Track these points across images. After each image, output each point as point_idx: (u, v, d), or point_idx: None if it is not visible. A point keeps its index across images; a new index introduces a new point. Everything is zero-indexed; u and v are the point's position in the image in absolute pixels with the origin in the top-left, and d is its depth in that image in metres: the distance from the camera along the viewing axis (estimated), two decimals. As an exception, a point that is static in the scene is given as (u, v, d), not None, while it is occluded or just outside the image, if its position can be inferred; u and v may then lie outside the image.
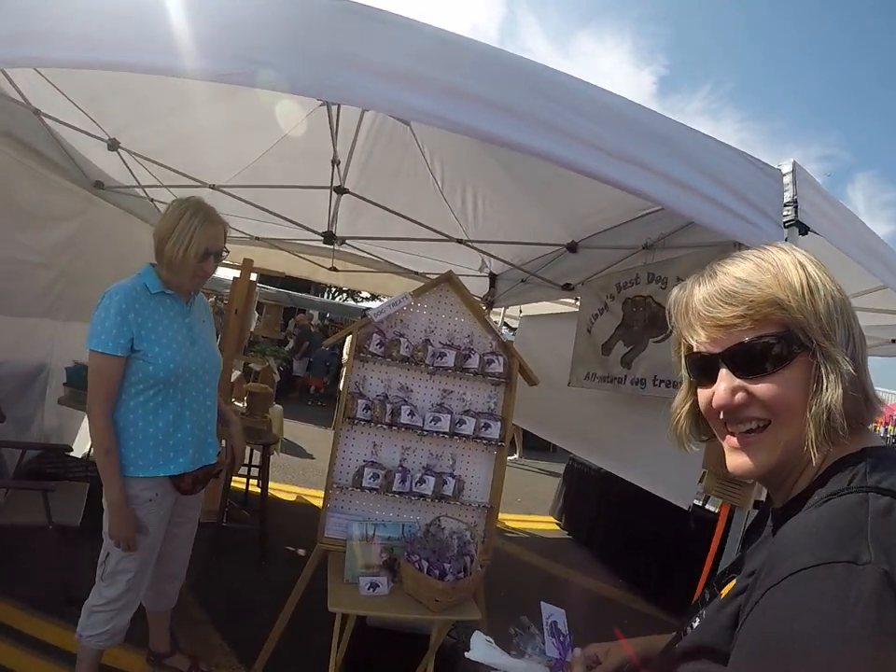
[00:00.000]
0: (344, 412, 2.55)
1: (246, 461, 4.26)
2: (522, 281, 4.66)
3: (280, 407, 4.57)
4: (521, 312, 5.21)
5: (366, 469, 2.55)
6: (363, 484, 2.53)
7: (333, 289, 23.14)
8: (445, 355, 2.64)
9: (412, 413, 2.59)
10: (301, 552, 4.16)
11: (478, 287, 5.36)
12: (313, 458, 6.91)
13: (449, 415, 2.64)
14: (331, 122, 2.84)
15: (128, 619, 2.24)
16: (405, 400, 2.63)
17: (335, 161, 3.20)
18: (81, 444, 4.51)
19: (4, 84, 2.74)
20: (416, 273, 5.46)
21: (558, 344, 3.93)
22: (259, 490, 4.59)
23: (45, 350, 3.89)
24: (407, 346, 2.63)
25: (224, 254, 2.18)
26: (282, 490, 4.45)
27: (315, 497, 5.46)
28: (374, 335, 2.60)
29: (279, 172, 3.64)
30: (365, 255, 5.15)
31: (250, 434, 3.71)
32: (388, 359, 2.61)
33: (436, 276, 5.37)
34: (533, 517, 6.01)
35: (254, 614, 3.18)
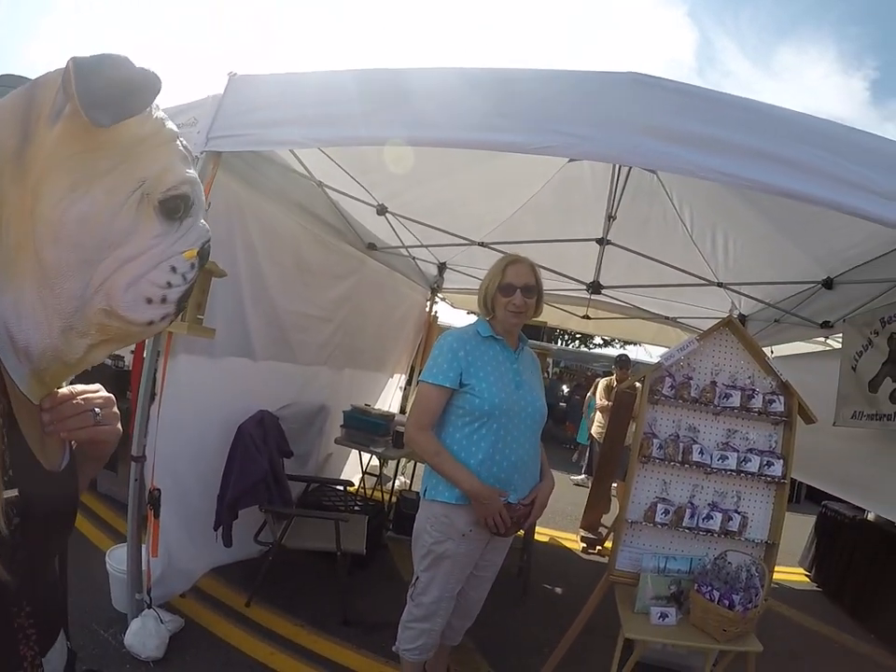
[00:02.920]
0: (640, 451, 2.68)
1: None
2: (775, 321, 4.57)
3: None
4: (772, 353, 4.99)
5: (658, 504, 2.66)
6: (655, 520, 2.64)
7: (566, 336, 22.23)
8: (731, 395, 2.71)
9: (701, 452, 2.68)
10: (559, 590, 4.22)
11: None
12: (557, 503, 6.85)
13: (735, 453, 2.70)
14: (613, 184, 3.06)
15: (436, 639, 2.41)
16: (694, 440, 2.72)
17: (610, 217, 3.39)
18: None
19: (293, 162, 3.23)
20: (666, 317, 5.53)
21: (812, 384, 3.79)
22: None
23: (324, 394, 4.40)
24: (696, 388, 2.73)
25: (533, 290, 2.33)
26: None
27: (566, 539, 5.54)
28: (666, 378, 2.73)
29: (531, 227, 3.88)
30: (616, 302, 5.23)
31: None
32: (679, 400, 2.72)
33: (686, 320, 5.41)
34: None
35: (519, 645, 3.30)
